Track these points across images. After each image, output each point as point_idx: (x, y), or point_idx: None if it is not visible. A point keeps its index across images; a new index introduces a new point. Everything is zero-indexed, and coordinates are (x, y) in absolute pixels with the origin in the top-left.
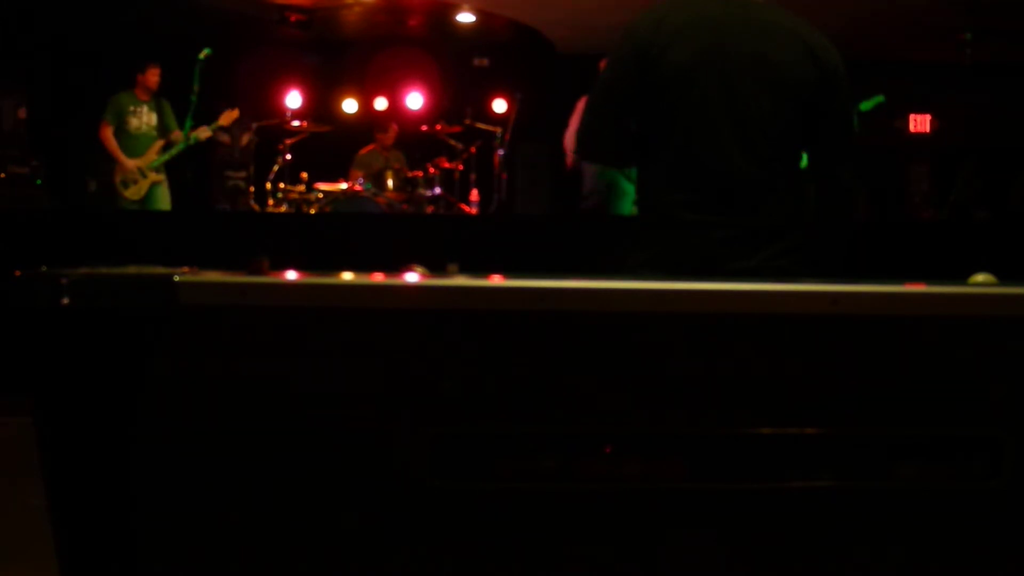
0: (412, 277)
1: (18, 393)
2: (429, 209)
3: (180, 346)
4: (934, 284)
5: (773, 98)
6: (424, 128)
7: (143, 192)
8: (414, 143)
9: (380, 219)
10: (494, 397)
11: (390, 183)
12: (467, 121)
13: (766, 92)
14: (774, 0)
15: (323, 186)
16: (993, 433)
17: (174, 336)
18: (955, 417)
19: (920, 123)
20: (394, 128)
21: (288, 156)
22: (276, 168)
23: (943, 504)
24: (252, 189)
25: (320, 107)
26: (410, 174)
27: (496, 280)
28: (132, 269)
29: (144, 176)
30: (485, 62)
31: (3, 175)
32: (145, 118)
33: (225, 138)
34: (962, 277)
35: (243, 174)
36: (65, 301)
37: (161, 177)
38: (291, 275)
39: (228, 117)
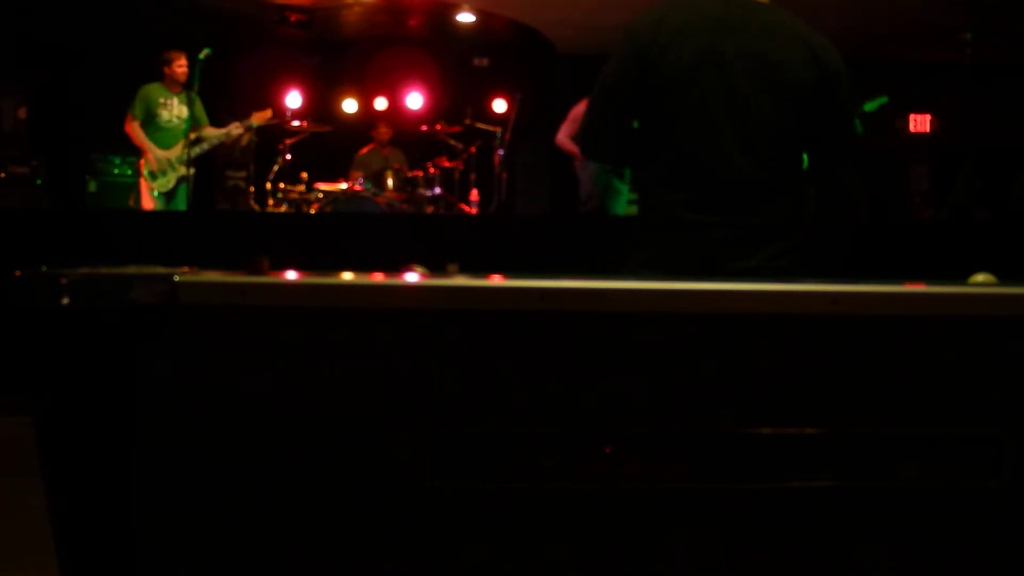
0: (412, 277)
1: (18, 393)
2: (429, 209)
3: (180, 346)
4: (934, 284)
5: (773, 98)
6: (424, 128)
7: (171, 185)
8: (414, 143)
9: (380, 219)
10: (494, 397)
11: (390, 183)
12: (467, 121)
13: (766, 92)
14: (775, 0)
15: (323, 186)
16: (993, 433)
17: (174, 336)
18: (955, 417)
19: (920, 123)
20: (385, 126)
21: (288, 156)
22: (276, 168)
23: (943, 504)
24: (252, 189)
25: (320, 107)
26: (410, 174)
27: (496, 280)
28: (132, 269)
29: (174, 169)
30: (485, 62)
31: (3, 175)
32: (176, 110)
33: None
34: (962, 277)
35: (243, 174)
36: (65, 301)
37: (191, 172)
38: (291, 275)
39: (261, 117)
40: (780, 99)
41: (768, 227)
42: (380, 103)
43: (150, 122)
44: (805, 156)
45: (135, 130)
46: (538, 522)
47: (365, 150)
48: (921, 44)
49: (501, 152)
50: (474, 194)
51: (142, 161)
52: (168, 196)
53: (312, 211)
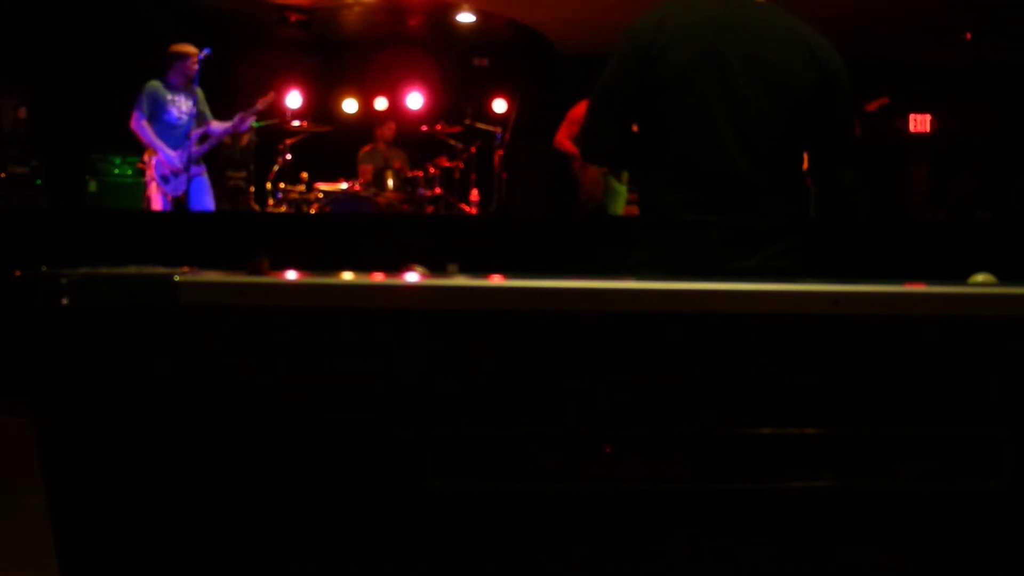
0: (412, 277)
1: (18, 393)
2: (429, 209)
3: (180, 346)
4: (934, 284)
5: (773, 99)
6: (424, 128)
7: (184, 188)
8: (414, 143)
9: (380, 219)
10: (494, 397)
11: (390, 183)
12: (467, 121)
13: (766, 93)
14: (774, 1)
15: (323, 186)
16: (993, 433)
17: (174, 336)
18: (955, 417)
19: (920, 123)
20: (391, 124)
21: (288, 156)
22: (276, 168)
23: (943, 504)
24: (252, 189)
25: (320, 107)
26: (410, 174)
27: (496, 280)
28: (132, 269)
29: (187, 170)
30: (485, 62)
31: (3, 175)
32: (184, 107)
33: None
34: (962, 277)
35: (243, 174)
36: (65, 301)
37: (202, 169)
38: (291, 275)
39: (265, 101)
40: (780, 99)
41: (768, 227)
42: (380, 103)
43: (158, 120)
44: (805, 156)
45: (144, 129)
46: (538, 522)
47: (365, 149)
48: (921, 44)
49: (501, 152)
50: (474, 194)
51: (151, 163)
52: (184, 199)
53: (312, 211)
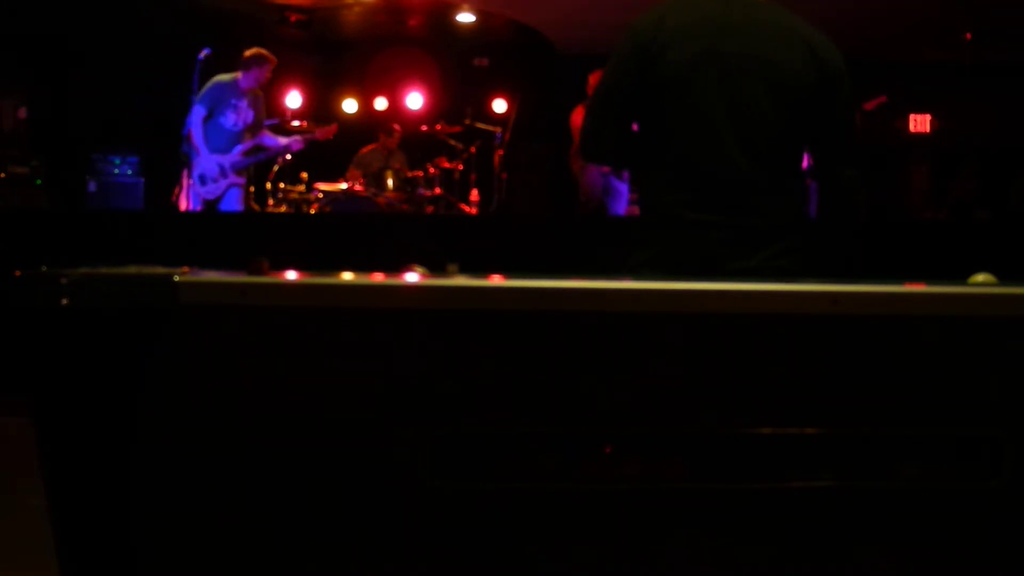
0: (412, 277)
1: (18, 393)
2: (429, 209)
3: (180, 346)
4: (934, 284)
5: (773, 98)
6: (424, 128)
7: (221, 192)
8: (414, 143)
9: (380, 219)
10: (494, 397)
11: (390, 183)
12: (467, 121)
13: (766, 92)
14: (775, 0)
15: (323, 186)
16: (993, 433)
17: (174, 336)
18: (955, 417)
19: (920, 123)
20: (398, 130)
21: (288, 156)
22: (276, 168)
23: (943, 504)
24: (252, 189)
25: (320, 107)
26: (410, 174)
27: (496, 280)
28: (132, 269)
29: (225, 176)
30: (485, 62)
31: (3, 175)
32: (243, 114)
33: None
34: (962, 277)
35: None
36: (65, 301)
37: (242, 180)
38: (291, 275)
39: (326, 132)
40: (780, 99)
41: (768, 227)
42: (380, 103)
43: (213, 120)
44: (805, 156)
45: (198, 126)
46: (538, 522)
47: (366, 149)
48: (921, 44)
49: (501, 152)
50: (474, 194)
51: (193, 160)
52: (215, 205)
53: (312, 211)
